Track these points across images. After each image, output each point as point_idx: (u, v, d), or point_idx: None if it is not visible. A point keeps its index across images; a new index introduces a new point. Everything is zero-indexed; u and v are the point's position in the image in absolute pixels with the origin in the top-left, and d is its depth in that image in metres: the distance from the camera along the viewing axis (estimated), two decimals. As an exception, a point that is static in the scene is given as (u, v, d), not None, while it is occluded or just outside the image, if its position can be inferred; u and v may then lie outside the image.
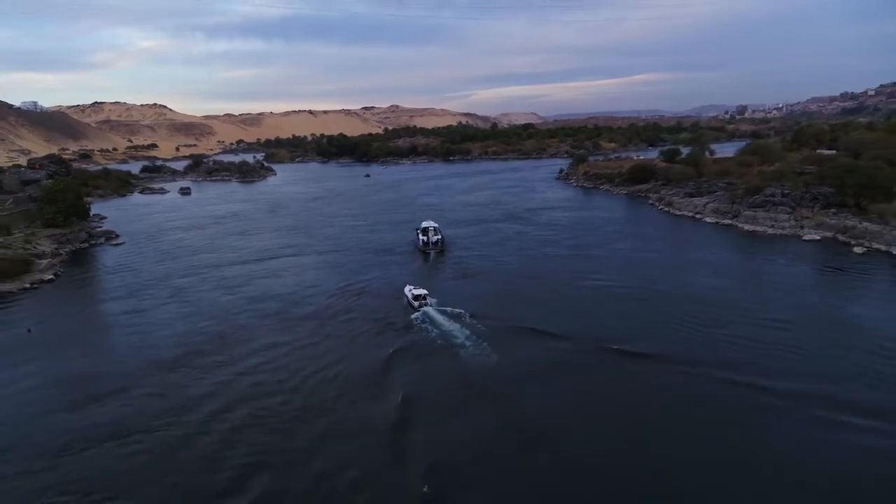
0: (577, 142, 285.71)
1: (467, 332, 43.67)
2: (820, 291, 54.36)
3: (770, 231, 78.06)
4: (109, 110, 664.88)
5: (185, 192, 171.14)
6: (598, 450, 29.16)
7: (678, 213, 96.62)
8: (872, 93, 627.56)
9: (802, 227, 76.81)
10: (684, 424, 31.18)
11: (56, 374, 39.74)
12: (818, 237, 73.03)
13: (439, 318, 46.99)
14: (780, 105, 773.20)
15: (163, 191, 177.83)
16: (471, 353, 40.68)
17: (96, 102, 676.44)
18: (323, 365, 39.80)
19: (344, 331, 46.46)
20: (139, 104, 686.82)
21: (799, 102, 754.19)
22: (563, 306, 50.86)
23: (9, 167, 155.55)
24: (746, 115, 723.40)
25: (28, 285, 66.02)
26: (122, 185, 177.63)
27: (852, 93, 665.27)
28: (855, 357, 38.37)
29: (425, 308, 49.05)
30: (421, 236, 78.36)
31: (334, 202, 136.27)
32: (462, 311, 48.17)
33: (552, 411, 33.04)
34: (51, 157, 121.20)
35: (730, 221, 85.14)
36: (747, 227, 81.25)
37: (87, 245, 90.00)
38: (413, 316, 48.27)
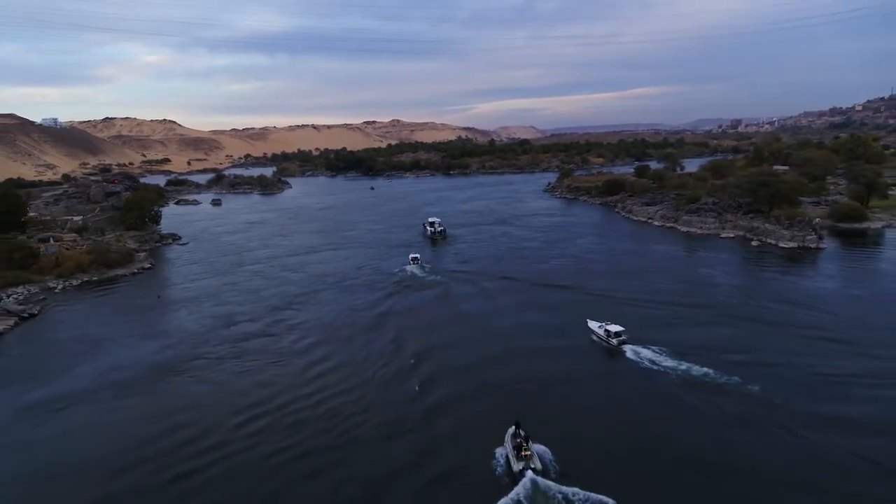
0: (568, 157, 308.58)
1: (435, 276, 76.92)
2: (703, 266, 77.42)
3: (699, 231, 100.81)
4: (121, 125, 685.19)
5: (216, 203, 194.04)
6: (495, 321, 57.52)
7: (636, 218, 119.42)
8: (860, 108, 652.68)
9: (723, 228, 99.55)
10: (538, 314, 59.53)
11: (204, 315, 62.60)
12: (732, 235, 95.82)
13: (417, 269, 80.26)
14: (773, 119, 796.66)
15: (196, 202, 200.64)
16: (435, 282, 74.30)
17: (107, 118, 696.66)
18: (365, 305, 64.56)
19: (376, 287, 72.56)
20: (149, 119, 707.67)
21: (791, 116, 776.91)
22: (508, 266, 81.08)
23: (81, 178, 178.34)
24: (740, 128, 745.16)
25: (136, 270, 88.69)
26: (158, 196, 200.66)
27: (841, 108, 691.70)
28: (689, 291, 65.19)
29: (412, 266, 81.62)
30: (428, 227, 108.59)
31: (350, 211, 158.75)
32: (432, 265, 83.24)
33: (474, 303, 64.49)
34: (123, 174, 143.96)
35: (672, 225, 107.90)
36: (683, 228, 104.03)
37: (159, 244, 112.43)
38: (406, 268, 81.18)
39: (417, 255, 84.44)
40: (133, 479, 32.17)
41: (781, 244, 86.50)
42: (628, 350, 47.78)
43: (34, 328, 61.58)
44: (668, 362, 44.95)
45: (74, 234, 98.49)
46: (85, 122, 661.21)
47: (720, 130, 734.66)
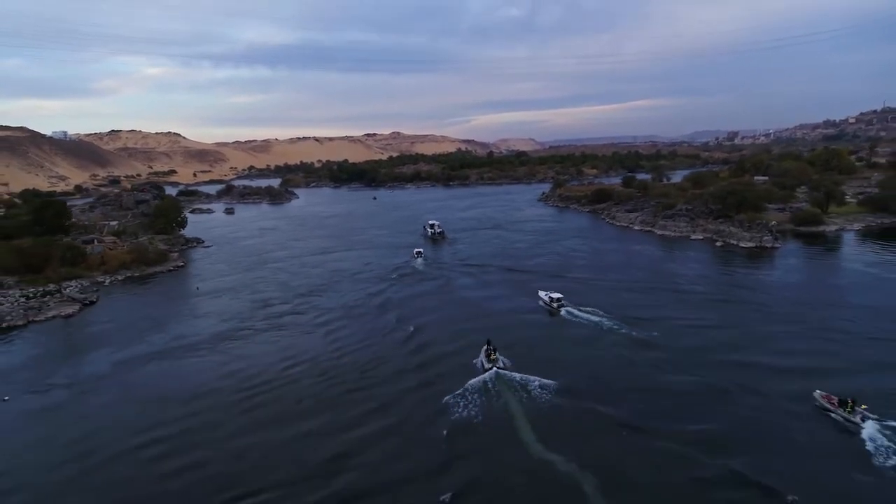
0: (563, 168, 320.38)
1: (435, 268, 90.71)
2: (668, 262, 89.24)
3: (672, 234, 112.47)
4: (126, 138, 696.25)
5: (229, 212, 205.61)
6: (477, 295, 71.25)
7: (618, 224, 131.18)
8: (853, 120, 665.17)
9: (694, 231, 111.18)
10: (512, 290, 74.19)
11: (243, 300, 74.28)
12: (701, 237, 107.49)
13: (420, 262, 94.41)
14: (769, 131, 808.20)
15: (210, 210, 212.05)
16: (434, 273, 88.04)
17: (113, 131, 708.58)
18: (374, 292, 76.36)
19: (383, 277, 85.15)
20: (154, 132, 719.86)
21: (787, 129, 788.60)
22: (499, 261, 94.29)
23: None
24: (737, 140, 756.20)
25: (171, 268, 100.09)
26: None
27: (834, 120, 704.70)
28: (642, 277, 77.25)
29: (416, 259, 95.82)
30: (428, 229, 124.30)
31: (357, 219, 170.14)
32: (432, 260, 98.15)
33: (465, 286, 78.99)
34: (151, 183, 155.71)
35: (649, 229, 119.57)
36: (659, 231, 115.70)
37: (186, 247, 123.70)
38: (410, 262, 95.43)
39: (421, 250, 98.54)
40: (209, 399, 44.67)
41: (742, 244, 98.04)
42: (564, 311, 63.87)
43: (97, 311, 72.98)
44: (590, 317, 61.28)
45: (114, 237, 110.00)
46: (91, 134, 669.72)
47: (716, 142, 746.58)
